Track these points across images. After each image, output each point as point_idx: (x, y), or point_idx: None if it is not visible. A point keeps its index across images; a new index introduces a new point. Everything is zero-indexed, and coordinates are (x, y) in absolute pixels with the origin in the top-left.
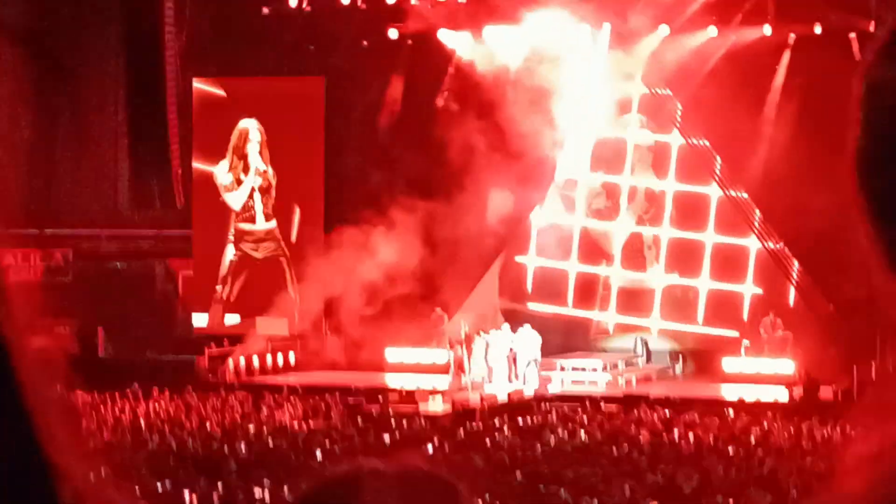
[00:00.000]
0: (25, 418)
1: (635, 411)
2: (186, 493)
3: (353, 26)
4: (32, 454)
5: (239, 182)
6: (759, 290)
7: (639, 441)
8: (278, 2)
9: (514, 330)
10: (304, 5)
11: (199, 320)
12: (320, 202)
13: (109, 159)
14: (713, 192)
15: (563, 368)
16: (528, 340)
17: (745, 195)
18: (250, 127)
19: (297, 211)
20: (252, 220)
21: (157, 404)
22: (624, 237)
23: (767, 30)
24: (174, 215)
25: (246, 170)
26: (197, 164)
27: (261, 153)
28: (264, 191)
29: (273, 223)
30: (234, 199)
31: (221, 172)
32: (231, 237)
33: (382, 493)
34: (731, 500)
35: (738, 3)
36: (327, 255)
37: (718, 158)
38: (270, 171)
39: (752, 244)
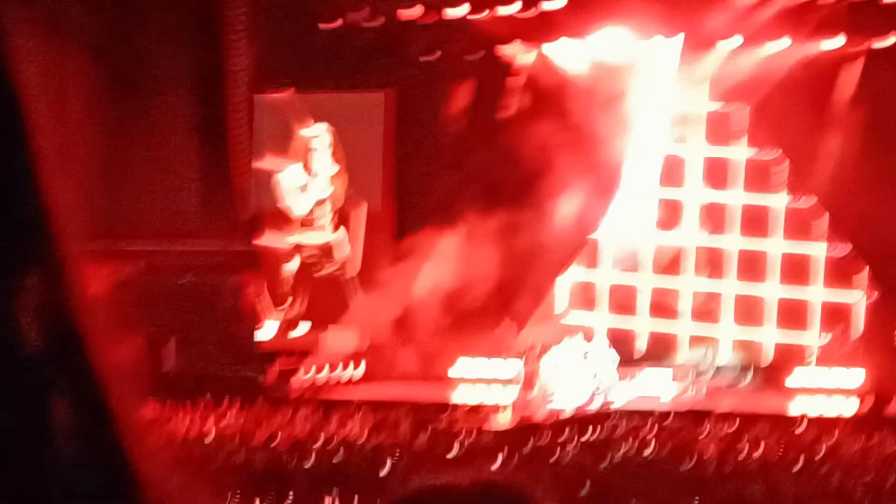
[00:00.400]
0: (113, 426)
1: (702, 425)
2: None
3: (419, 41)
4: (119, 462)
5: (305, 187)
6: (829, 301)
7: (706, 455)
8: (344, 17)
9: (587, 342)
10: (370, 20)
11: (266, 334)
12: (391, 212)
13: (178, 174)
14: (781, 201)
15: (630, 381)
16: (601, 354)
17: (815, 203)
18: (318, 131)
19: (366, 220)
20: (319, 227)
21: (225, 418)
22: (692, 248)
23: (841, 40)
24: (241, 230)
25: (312, 174)
26: (259, 166)
27: (330, 156)
28: (332, 197)
29: (341, 231)
30: (299, 205)
31: (287, 176)
32: (294, 246)
33: None
34: None
35: (812, 14)
36: (397, 266)
37: (788, 169)
38: (338, 177)
39: (822, 254)
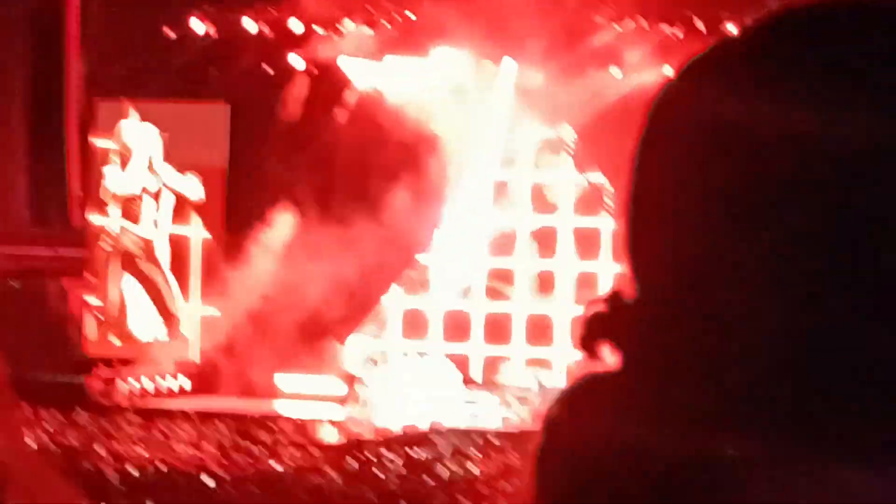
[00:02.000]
0: None
1: (527, 447)
2: None
3: (258, 52)
4: None
5: (131, 181)
6: None
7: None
8: (183, 26)
9: (418, 363)
10: (210, 30)
11: (92, 340)
12: (221, 224)
13: (7, 177)
14: (606, 224)
15: (457, 402)
16: (430, 375)
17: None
18: (144, 128)
19: (196, 229)
20: (137, 221)
21: (45, 425)
22: (525, 272)
23: (668, 70)
24: (70, 234)
25: (137, 161)
26: (95, 143)
27: (155, 156)
28: (158, 197)
29: (167, 233)
30: (127, 188)
31: (111, 171)
32: (121, 249)
33: None
34: None
35: (641, 44)
36: (225, 276)
37: (613, 192)
38: (167, 177)
39: None
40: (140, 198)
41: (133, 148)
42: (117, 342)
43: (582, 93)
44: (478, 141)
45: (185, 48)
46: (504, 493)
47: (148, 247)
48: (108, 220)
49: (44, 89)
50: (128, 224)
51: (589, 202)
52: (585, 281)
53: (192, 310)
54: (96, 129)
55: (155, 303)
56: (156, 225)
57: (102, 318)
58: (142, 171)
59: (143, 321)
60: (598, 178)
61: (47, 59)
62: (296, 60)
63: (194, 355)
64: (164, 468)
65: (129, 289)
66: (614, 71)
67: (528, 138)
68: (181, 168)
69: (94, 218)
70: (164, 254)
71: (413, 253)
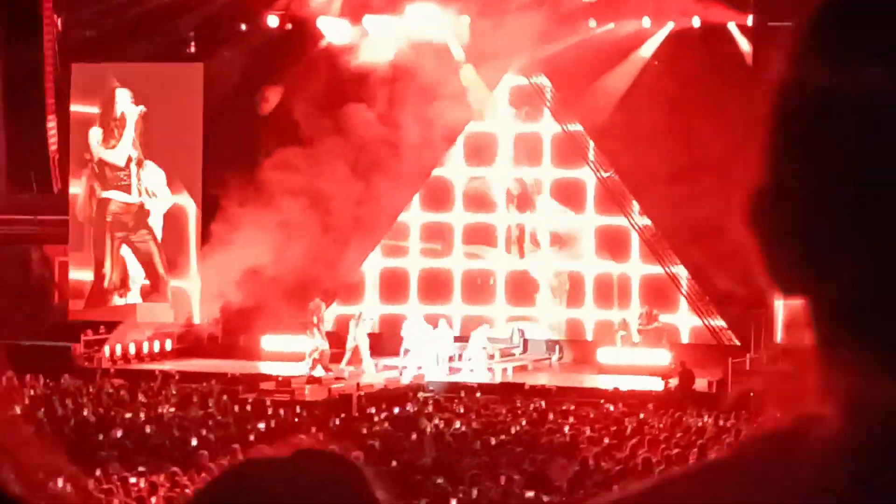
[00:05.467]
0: None
1: (513, 400)
2: (60, 481)
3: (232, 12)
4: None
5: (116, 140)
6: (644, 278)
7: (515, 431)
8: None
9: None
10: None
11: (77, 306)
12: (198, 186)
13: None
14: (588, 176)
15: (443, 358)
16: (415, 332)
17: (618, 180)
18: (123, 94)
19: (176, 193)
20: (128, 190)
21: (31, 391)
22: (504, 228)
23: (646, 21)
24: (51, 200)
25: (121, 129)
26: (76, 110)
27: (137, 122)
28: (140, 163)
29: (150, 198)
30: (114, 156)
31: (97, 133)
32: (109, 218)
33: (280, 479)
34: (605, 490)
35: None
36: (207, 240)
37: (592, 144)
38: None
39: (633, 236)
40: (127, 164)
41: (120, 115)
42: (102, 307)
43: (561, 44)
44: (453, 93)
45: (160, 10)
46: (488, 446)
47: (133, 213)
48: (91, 186)
49: (20, 56)
50: (114, 191)
51: (570, 155)
52: (569, 237)
53: (178, 274)
54: (75, 93)
55: (144, 267)
56: (140, 192)
57: (87, 283)
58: (128, 138)
59: (129, 286)
60: (576, 128)
61: (21, 23)
62: (272, 20)
63: (179, 318)
64: (148, 430)
65: (114, 254)
66: (591, 22)
67: (506, 91)
68: (159, 131)
69: (76, 184)
70: (152, 220)
71: (393, 215)
